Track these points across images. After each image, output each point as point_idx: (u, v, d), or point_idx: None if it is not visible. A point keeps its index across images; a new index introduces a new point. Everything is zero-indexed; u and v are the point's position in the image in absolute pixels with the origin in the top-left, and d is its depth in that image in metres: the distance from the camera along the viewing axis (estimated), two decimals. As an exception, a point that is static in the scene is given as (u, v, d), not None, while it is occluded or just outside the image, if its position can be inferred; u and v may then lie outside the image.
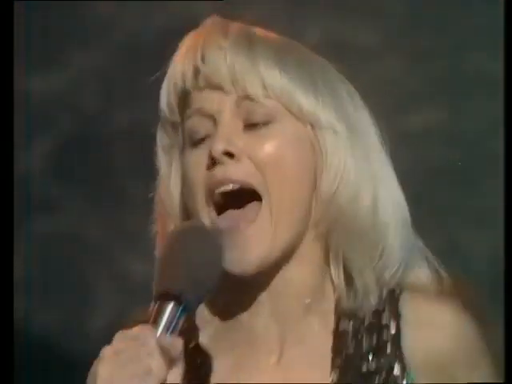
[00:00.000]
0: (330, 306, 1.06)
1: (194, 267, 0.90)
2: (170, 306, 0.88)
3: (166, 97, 1.09)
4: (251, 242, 1.00)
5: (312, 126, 1.05)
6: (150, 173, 1.16)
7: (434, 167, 2.95)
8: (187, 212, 1.09)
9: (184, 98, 1.08)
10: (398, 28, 2.88)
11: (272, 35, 1.10)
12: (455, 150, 2.92)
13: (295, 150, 1.04)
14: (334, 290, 1.06)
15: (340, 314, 1.05)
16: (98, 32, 3.02)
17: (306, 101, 1.04)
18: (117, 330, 0.94)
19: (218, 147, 1.02)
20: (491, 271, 2.60)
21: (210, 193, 1.04)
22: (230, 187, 1.03)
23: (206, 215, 1.04)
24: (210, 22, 1.08)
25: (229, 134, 1.03)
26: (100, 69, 2.98)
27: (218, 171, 1.02)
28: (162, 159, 1.14)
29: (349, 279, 1.04)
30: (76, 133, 3.01)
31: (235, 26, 1.08)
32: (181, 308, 0.88)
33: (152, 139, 1.15)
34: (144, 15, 2.99)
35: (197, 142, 1.06)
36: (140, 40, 2.96)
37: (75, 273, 2.93)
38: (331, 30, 2.77)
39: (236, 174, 1.03)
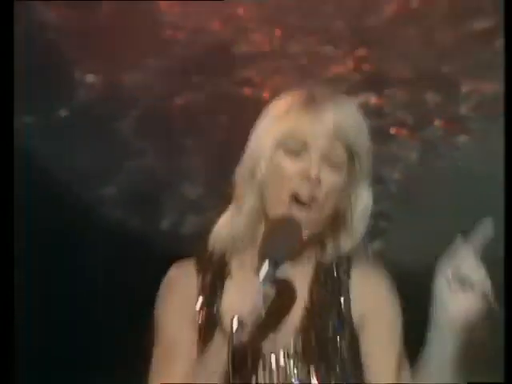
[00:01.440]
0: (310, 259, 1.57)
1: (279, 246, 1.36)
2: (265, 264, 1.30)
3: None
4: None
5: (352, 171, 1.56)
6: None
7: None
8: (261, 191, 1.52)
9: None
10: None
11: None
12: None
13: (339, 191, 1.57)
14: (317, 249, 1.57)
15: (317, 265, 1.56)
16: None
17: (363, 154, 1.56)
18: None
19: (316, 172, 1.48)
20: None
21: (293, 194, 1.47)
22: (307, 200, 1.48)
23: (286, 208, 1.47)
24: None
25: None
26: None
27: (309, 187, 1.47)
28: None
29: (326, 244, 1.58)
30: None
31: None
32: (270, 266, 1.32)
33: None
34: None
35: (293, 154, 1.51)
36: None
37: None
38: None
39: (318, 195, 1.48)
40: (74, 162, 2.72)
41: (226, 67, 2.49)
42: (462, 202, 2.89)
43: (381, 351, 1.53)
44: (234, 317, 1.24)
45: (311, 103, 1.50)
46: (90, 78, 2.77)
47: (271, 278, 1.29)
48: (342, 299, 1.54)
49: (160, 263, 1.59)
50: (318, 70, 2.63)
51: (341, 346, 1.51)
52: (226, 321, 1.34)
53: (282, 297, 1.33)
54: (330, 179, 1.47)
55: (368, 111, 2.20)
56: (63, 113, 2.70)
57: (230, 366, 1.24)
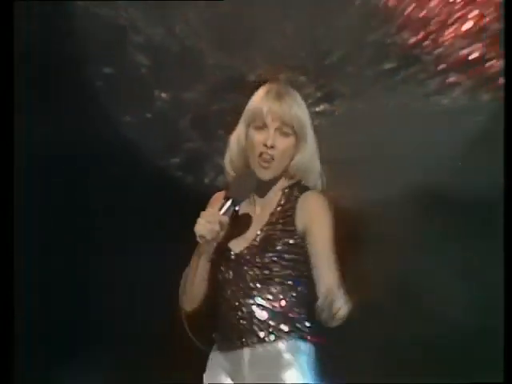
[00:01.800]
0: (277, 191, 2.30)
1: (241, 188, 2.19)
2: (228, 202, 2.13)
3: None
4: (267, 172, 2.24)
5: (299, 140, 2.27)
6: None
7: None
8: (244, 155, 2.28)
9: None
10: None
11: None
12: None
13: (292, 148, 2.27)
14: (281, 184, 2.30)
15: (283, 192, 2.28)
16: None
17: (304, 130, 2.28)
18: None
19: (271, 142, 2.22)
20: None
21: (260, 155, 2.22)
22: (268, 159, 2.22)
23: (256, 164, 2.23)
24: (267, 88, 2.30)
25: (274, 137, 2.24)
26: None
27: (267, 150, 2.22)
28: (240, 126, 2.32)
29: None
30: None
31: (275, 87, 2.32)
32: (230, 203, 2.13)
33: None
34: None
35: (259, 128, 2.25)
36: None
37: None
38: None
39: (275, 154, 2.22)
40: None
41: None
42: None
43: (322, 250, 2.12)
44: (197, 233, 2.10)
45: (271, 96, 2.24)
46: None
47: (229, 213, 2.12)
48: (293, 218, 2.21)
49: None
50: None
51: (290, 246, 2.20)
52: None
53: (239, 223, 2.22)
54: (283, 144, 2.22)
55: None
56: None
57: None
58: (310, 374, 2.18)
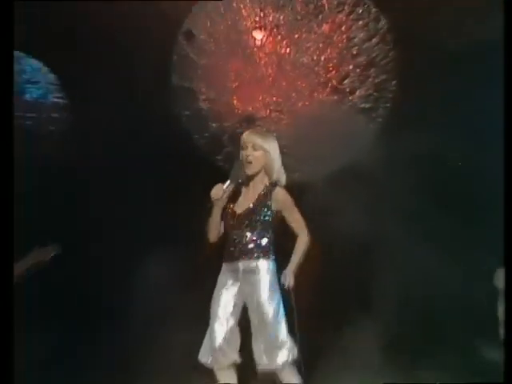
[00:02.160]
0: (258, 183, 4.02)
1: (235, 176, 3.97)
2: (227, 182, 3.91)
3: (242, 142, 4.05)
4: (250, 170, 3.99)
5: (265, 152, 3.98)
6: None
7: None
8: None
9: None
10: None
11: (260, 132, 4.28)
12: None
13: (263, 157, 3.99)
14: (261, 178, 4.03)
15: (265, 186, 3.99)
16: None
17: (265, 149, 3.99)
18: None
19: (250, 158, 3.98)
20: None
21: (245, 161, 3.96)
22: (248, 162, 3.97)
23: (245, 165, 3.97)
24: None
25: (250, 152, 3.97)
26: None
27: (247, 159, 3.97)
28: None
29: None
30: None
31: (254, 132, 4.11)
32: (228, 182, 3.92)
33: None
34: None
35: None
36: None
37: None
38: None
39: (252, 160, 3.97)
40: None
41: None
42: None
43: (293, 215, 3.98)
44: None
45: (249, 131, 4.09)
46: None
47: (229, 187, 3.91)
48: (269, 201, 3.99)
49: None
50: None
51: (266, 214, 3.97)
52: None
53: (240, 197, 4.01)
54: (255, 154, 3.95)
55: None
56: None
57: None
58: (274, 279, 3.96)
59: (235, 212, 4.05)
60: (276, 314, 3.93)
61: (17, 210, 4.93)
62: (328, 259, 5.32)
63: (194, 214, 5.15)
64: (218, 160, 5.61)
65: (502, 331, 4.39)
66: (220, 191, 3.93)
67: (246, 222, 4.03)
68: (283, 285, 3.96)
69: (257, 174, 4.05)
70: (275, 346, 3.88)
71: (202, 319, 4.06)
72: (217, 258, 4.11)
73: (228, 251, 4.04)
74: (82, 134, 5.44)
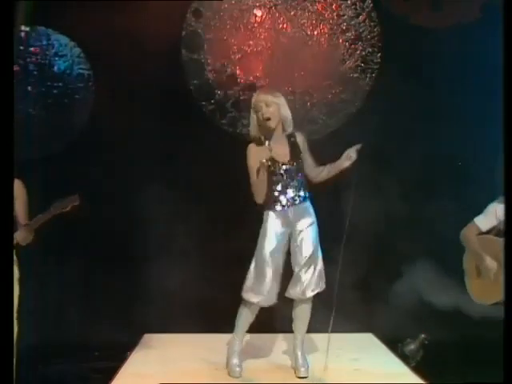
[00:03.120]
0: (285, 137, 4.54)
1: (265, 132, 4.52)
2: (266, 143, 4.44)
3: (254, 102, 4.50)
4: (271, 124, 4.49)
5: (278, 106, 4.44)
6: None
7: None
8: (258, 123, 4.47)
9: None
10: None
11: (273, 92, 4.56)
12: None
13: (277, 111, 4.47)
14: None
15: (288, 138, 4.55)
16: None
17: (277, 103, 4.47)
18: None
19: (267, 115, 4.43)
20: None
21: (263, 121, 4.44)
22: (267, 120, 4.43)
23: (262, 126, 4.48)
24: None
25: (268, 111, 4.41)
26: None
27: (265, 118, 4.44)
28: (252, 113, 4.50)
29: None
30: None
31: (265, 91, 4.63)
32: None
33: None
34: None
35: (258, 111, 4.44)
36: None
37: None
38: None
39: (270, 117, 4.44)
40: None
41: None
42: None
43: (309, 153, 4.50)
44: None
45: (256, 93, 4.52)
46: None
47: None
48: (297, 147, 4.49)
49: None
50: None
51: (299, 161, 4.48)
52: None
53: (277, 153, 4.40)
54: (270, 109, 4.40)
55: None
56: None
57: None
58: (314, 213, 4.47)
59: (277, 166, 4.36)
60: (317, 249, 4.42)
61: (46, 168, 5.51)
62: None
63: (200, 169, 5.80)
64: (223, 124, 6.08)
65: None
66: (266, 152, 4.27)
67: (288, 172, 4.38)
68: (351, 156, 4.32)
69: (277, 127, 4.40)
70: (313, 280, 4.37)
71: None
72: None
73: (275, 200, 4.38)
74: (104, 101, 5.82)
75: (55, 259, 5.70)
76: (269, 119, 4.37)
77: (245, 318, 4.47)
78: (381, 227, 5.78)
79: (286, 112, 4.47)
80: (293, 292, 4.42)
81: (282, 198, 4.40)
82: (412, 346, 5.27)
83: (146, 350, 5.23)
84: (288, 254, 4.47)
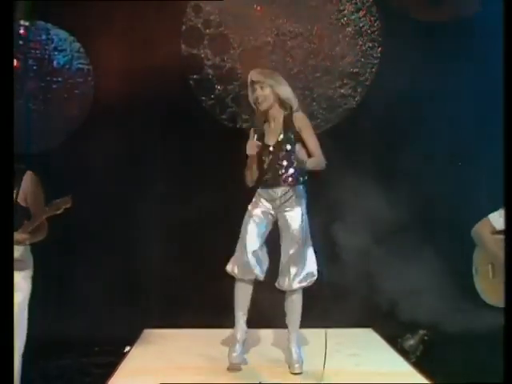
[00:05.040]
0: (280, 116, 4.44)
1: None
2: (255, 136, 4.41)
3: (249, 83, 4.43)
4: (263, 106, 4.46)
5: (272, 87, 4.37)
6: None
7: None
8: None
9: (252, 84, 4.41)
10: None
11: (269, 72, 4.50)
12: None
13: (271, 94, 4.40)
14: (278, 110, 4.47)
15: (284, 118, 4.44)
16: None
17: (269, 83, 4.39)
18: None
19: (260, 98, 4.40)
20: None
21: (255, 99, 4.42)
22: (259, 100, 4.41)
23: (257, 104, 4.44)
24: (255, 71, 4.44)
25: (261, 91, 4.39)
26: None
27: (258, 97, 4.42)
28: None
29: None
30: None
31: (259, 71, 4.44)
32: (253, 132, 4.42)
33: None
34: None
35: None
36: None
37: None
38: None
39: (262, 97, 4.41)
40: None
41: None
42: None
43: (311, 138, 4.35)
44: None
45: (259, 73, 4.38)
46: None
47: (254, 137, 4.37)
48: (292, 127, 4.36)
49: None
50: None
51: (292, 140, 4.35)
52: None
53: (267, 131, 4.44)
54: (264, 92, 4.36)
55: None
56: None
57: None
58: (305, 203, 4.39)
59: (268, 146, 4.36)
60: (306, 236, 4.33)
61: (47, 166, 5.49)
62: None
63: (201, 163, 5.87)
64: (223, 119, 6.10)
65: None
66: (254, 147, 4.29)
67: (279, 152, 4.33)
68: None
69: (271, 108, 4.36)
70: (301, 271, 4.31)
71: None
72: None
73: (265, 179, 4.38)
74: (103, 96, 5.86)
75: (55, 254, 5.67)
76: (262, 102, 4.36)
77: (236, 296, 4.46)
78: (381, 227, 5.76)
79: (283, 91, 4.40)
80: (281, 282, 4.40)
81: (268, 177, 4.38)
82: (411, 342, 5.26)
83: (146, 345, 5.21)
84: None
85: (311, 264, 4.39)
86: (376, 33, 6.12)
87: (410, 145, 5.85)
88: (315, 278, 4.41)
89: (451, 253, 5.48)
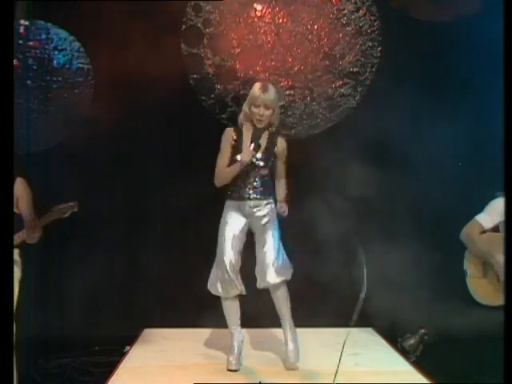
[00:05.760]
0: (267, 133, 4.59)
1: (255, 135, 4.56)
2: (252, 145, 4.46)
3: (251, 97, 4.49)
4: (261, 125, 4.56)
5: (273, 110, 4.49)
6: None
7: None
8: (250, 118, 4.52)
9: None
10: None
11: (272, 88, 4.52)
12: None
13: (271, 114, 4.51)
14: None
15: (270, 135, 4.58)
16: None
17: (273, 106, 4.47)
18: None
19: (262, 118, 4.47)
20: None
21: (256, 117, 4.48)
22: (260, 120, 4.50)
23: (256, 122, 4.51)
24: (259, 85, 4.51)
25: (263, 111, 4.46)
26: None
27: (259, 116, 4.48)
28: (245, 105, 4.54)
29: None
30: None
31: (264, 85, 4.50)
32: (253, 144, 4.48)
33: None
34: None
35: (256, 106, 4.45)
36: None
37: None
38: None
39: (264, 117, 4.48)
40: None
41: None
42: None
43: (284, 166, 4.56)
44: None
45: (260, 89, 4.43)
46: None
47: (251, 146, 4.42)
48: (273, 149, 4.53)
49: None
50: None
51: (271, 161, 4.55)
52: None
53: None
54: (266, 113, 4.44)
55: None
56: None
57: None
58: (275, 213, 4.52)
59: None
60: (277, 240, 4.43)
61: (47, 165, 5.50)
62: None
63: (200, 163, 5.80)
64: (223, 118, 6.08)
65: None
66: (250, 156, 4.39)
67: (256, 168, 4.44)
68: (282, 212, 4.45)
69: (265, 128, 4.47)
70: (277, 266, 4.37)
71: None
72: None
73: (238, 191, 4.49)
74: (102, 96, 5.84)
75: (55, 254, 5.68)
76: (261, 120, 4.46)
77: (226, 313, 4.56)
78: (381, 227, 5.77)
79: (278, 113, 4.57)
80: (261, 281, 4.44)
81: (244, 190, 4.49)
82: (412, 341, 5.26)
83: (146, 345, 5.21)
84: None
85: (285, 257, 4.48)
86: (376, 32, 6.11)
87: (410, 145, 5.80)
88: (292, 270, 4.48)
89: (451, 253, 5.45)
